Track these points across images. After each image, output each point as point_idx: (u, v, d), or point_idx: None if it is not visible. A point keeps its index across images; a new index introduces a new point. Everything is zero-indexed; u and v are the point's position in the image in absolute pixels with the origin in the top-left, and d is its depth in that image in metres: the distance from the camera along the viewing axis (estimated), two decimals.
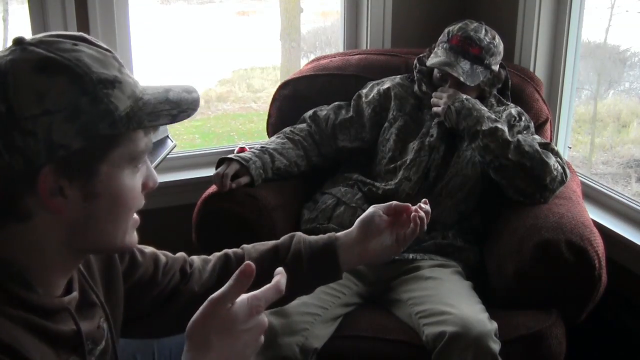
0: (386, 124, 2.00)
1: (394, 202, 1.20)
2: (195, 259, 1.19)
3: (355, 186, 1.94)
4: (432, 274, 1.75)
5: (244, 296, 0.83)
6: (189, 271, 1.15)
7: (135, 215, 0.87)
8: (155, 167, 1.96)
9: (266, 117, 2.30)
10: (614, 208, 2.18)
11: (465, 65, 1.87)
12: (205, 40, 4.16)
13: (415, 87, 2.01)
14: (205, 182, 2.15)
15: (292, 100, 2.23)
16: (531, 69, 2.31)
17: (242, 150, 2.53)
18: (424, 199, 1.22)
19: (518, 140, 1.83)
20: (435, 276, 1.74)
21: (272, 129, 2.25)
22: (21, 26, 2.44)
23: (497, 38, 1.94)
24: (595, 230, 1.70)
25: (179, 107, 0.83)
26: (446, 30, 1.95)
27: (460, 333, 1.50)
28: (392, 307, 1.74)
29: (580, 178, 2.13)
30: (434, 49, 1.97)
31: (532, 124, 2.00)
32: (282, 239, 1.21)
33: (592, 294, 1.64)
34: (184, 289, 1.13)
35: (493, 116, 1.88)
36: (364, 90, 2.09)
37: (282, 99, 2.25)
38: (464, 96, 1.88)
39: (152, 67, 3.40)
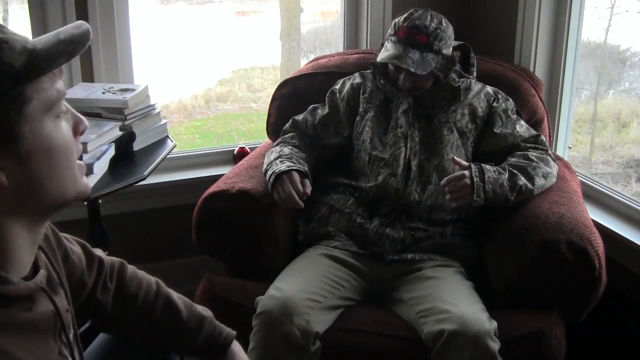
0: (358, 118, 2.02)
1: None
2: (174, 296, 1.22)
3: (347, 191, 1.94)
4: (434, 273, 1.76)
5: None
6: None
7: (80, 162, 0.88)
8: (155, 168, 1.96)
9: (266, 117, 2.30)
10: (614, 208, 2.18)
11: (414, 55, 1.86)
12: (205, 40, 4.16)
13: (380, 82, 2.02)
14: (205, 182, 2.14)
15: (291, 99, 2.22)
16: (531, 69, 2.31)
17: (242, 150, 2.53)
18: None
19: (541, 185, 1.87)
20: (437, 276, 1.74)
21: (272, 128, 2.25)
22: (21, 27, 2.44)
23: (444, 21, 1.93)
24: (595, 230, 1.70)
25: (72, 43, 0.83)
26: (393, 23, 1.94)
27: (458, 331, 1.50)
28: (393, 306, 1.75)
29: (580, 178, 2.13)
30: (385, 43, 1.96)
31: (511, 105, 2.00)
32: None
33: (592, 294, 1.64)
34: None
35: (513, 179, 1.83)
36: (337, 87, 2.09)
37: (281, 98, 2.25)
38: (475, 180, 1.78)
39: (152, 67, 3.40)
